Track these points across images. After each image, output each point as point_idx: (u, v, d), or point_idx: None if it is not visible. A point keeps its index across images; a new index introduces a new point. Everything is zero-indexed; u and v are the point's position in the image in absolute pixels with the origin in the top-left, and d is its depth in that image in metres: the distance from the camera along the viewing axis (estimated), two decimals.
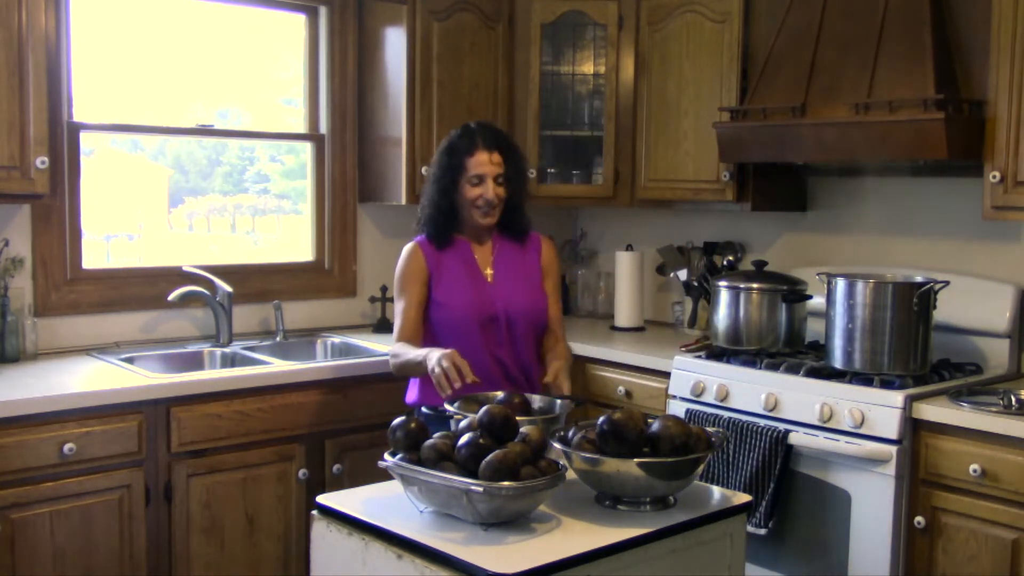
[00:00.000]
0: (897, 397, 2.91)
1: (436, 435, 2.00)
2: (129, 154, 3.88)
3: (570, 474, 1.99)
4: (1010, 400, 2.84)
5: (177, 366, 3.44)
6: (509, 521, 1.89)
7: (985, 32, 3.00)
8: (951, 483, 2.82)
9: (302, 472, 3.25)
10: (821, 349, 3.34)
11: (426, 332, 2.93)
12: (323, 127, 4.02)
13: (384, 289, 4.07)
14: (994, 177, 2.99)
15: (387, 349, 2.99)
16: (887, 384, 3.02)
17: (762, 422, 3.17)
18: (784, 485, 3.11)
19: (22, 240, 3.33)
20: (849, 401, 2.99)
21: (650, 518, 1.97)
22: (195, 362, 3.53)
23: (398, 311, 2.93)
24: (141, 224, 3.95)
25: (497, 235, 3.03)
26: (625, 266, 4.15)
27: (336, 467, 3.33)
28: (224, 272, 3.72)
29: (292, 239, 4.14)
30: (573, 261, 4.69)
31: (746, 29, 3.67)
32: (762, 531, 3.09)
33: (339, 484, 3.23)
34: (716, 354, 3.39)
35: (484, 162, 2.86)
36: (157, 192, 3.97)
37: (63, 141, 3.38)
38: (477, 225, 2.94)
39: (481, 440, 1.92)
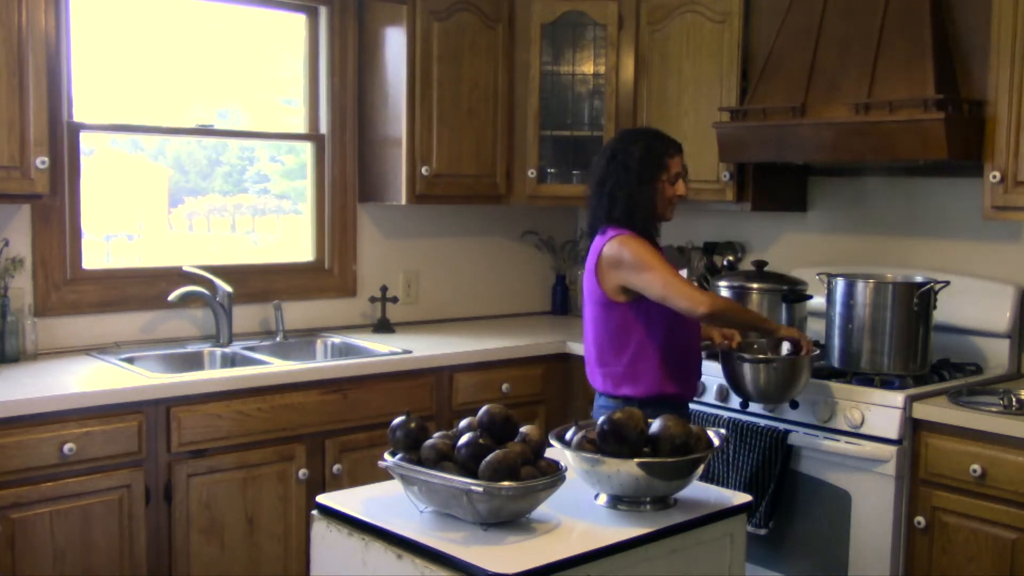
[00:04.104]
0: (897, 397, 2.91)
1: (436, 435, 2.00)
2: (129, 154, 3.88)
3: (570, 474, 1.99)
4: (1010, 400, 2.84)
5: (177, 366, 3.44)
6: (509, 521, 1.89)
7: (985, 32, 3.00)
8: (951, 483, 2.82)
9: (302, 472, 3.25)
10: (821, 349, 3.34)
11: (641, 319, 2.83)
12: (323, 127, 4.02)
13: (384, 289, 4.07)
14: (994, 177, 2.99)
15: (691, 296, 2.71)
16: (887, 384, 3.02)
17: (762, 422, 3.17)
18: (784, 485, 3.11)
19: (22, 240, 3.33)
20: (849, 401, 3.00)
21: (650, 518, 1.97)
22: (195, 362, 3.53)
23: (670, 274, 2.75)
24: (141, 224, 3.95)
25: None
26: None
27: (336, 467, 3.32)
28: (224, 272, 3.71)
29: (292, 239, 4.14)
30: (573, 261, 4.69)
31: (746, 29, 3.68)
32: (762, 531, 3.09)
33: (339, 484, 3.23)
34: (716, 354, 3.39)
35: (679, 162, 2.91)
36: (157, 192, 3.97)
37: (63, 141, 3.38)
38: (663, 221, 2.93)
39: (481, 440, 1.92)
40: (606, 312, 2.85)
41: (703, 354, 3.03)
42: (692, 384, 2.96)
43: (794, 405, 3.06)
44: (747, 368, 2.97)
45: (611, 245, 2.80)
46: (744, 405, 3.16)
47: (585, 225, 3.04)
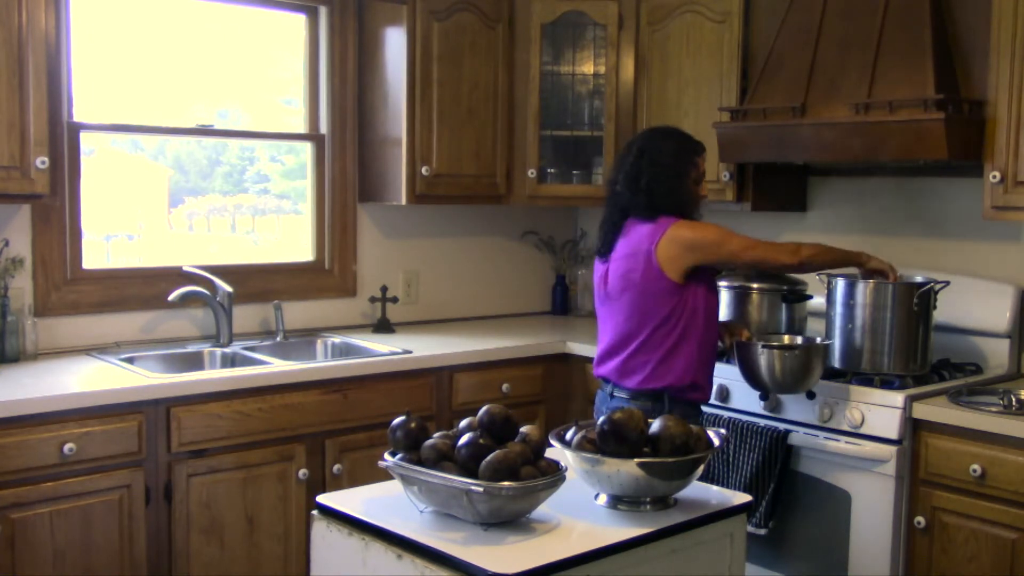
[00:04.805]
0: (897, 397, 2.91)
1: (436, 435, 2.00)
2: (129, 154, 3.88)
3: (570, 474, 1.99)
4: (1010, 400, 2.84)
5: (177, 366, 3.44)
6: (509, 521, 1.89)
7: (985, 32, 3.00)
8: (951, 483, 2.82)
9: (302, 472, 3.25)
10: None
11: (688, 305, 2.86)
12: (323, 127, 4.02)
13: (384, 289, 4.07)
14: (994, 177, 2.99)
15: (752, 245, 2.87)
16: (887, 384, 3.02)
17: (762, 422, 3.17)
18: (784, 485, 3.11)
19: (22, 240, 3.33)
20: (849, 401, 3.00)
21: (650, 518, 1.97)
22: (195, 362, 3.53)
23: (750, 240, 2.87)
24: (141, 224, 3.95)
25: None
26: None
27: (336, 467, 3.32)
28: (224, 272, 3.71)
29: (292, 239, 4.14)
30: (573, 261, 4.69)
31: (746, 29, 3.68)
32: (762, 531, 3.09)
33: (339, 484, 3.23)
34: (717, 354, 3.38)
35: (704, 162, 2.98)
36: (157, 192, 3.97)
37: (63, 141, 3.38)
38: (692, 218, 2.96)
39: (481, 440, 1.92)
40: (657, 299, 2.84)
41: (717, 348, 3.05)
42: (711, 382, 2.98)
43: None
44: (763, 358, 2.97)
45: (678, 228, 2.82)
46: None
47: (603, 220, 3.01)
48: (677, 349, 2.85)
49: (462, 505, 1.85)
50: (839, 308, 3.17)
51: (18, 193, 3.02)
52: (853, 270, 3.44)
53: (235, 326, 3.71)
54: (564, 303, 4.67)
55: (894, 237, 3.64)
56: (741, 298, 3.38)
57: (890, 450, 2.90)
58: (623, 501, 2.01)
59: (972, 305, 3.29)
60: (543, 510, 1.95)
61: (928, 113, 2.96)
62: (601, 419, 1.99)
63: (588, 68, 4.10)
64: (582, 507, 2.02)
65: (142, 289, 3.59)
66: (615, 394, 2.94)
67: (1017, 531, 2.69)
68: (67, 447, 2.79)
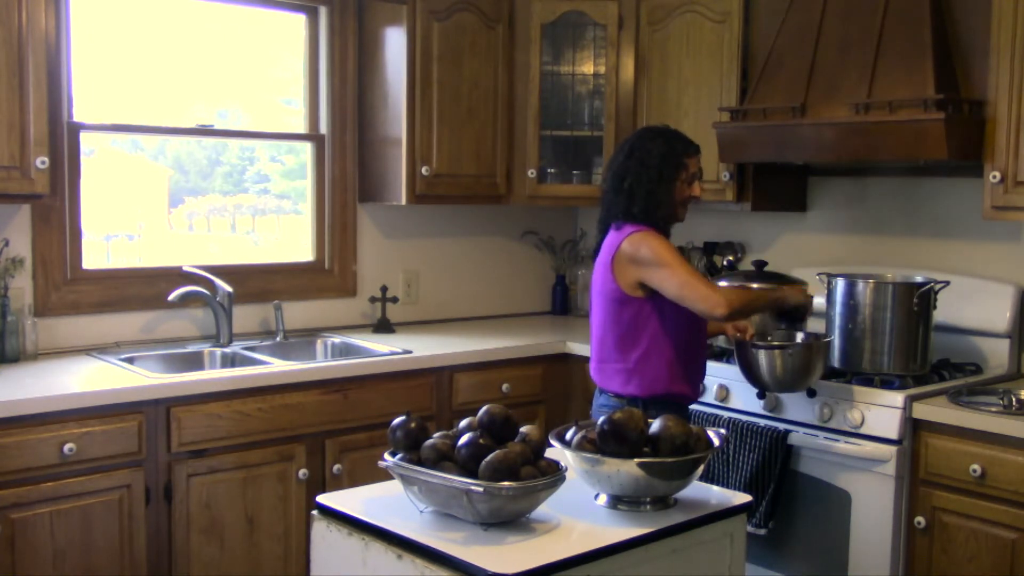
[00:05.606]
0: (897, 397, 2.91)
1: (436, 435, 2.00)
2: (129, 154, 3.88)
3: (570, 474, 1.99)
4: (1010, 400, 2.84)
5: (177, 366, 3.44)
6: (509, 521, 1.89)
7: (985, 32, 3.00)
8: (951, 483, 2.82)
9: (302, 472, 3.25)
10: None
11: (655, 315, 2.82)
12: (323, 127, 4.02)
13: (384, 289, 4.07)
14: (994, 177, 2.99)
15: (701, 293, 2.71)
16: (887, 384, 3.02)
17: (762, 422, 3.17)
18: (784, 485, 3.11)
19: (22, 240, 3.33)
20: (849, 401, 3.00)
21: (650, 518, 1.97)
22: (195, 362, 3.53)
23: (688, 273, 2.74)
24: (141, 224, 3.95)
25: None
26: None
27: (336, 467, 3.32)
28: (224, 272, 3.71)
29: (292, 239, 4.14)
30: (573, 261, 4.69)
31: (746, 29, 3.68)
32: (762, 531, 3.09)
33: (339, 484, 3.23)
34: (716, 354, 3.39)
35: (697, 163, 2.91)
36: (157, 192, 3.97)
37: (63, 141, 3.38)
38: (676, 221, 2.93)
39: (481, 440, 1.92)
40: (618, 307, 2.84)
41: (714, 348, 3.03)
42: (698, 385, 2.96)
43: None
44: (762, 357, 2.96)
45: (630, 241, 2.79)
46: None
47: (597, 220, 3.00)
48: (645, 362, 2.82)
49: (462, 505, 1.85)
50: (839, 308, 3.17)
51: (18, 193, 3.02)
52: (852, 270, 3.45)
53: (235, 326, 3.71)
54: (564, 303, 4.68)
55: (894, 237, 3.64)
56: None
57: (890, 450, 2.90)
58: (623, 501, 2.01)
59: (972, 305, 3.29)
60: (543, 510, 1.95)
61: (928, 113, 2.96)
62: (601, 419, 1.99)
63: (588, 68, 4.10)
64: (582, 507, 2.02)
65: (142, 289, 3.59)
66: (604, 392, 2.95)
67: (1017, 531, 2.69)
68: (67, 447, 2.79)
